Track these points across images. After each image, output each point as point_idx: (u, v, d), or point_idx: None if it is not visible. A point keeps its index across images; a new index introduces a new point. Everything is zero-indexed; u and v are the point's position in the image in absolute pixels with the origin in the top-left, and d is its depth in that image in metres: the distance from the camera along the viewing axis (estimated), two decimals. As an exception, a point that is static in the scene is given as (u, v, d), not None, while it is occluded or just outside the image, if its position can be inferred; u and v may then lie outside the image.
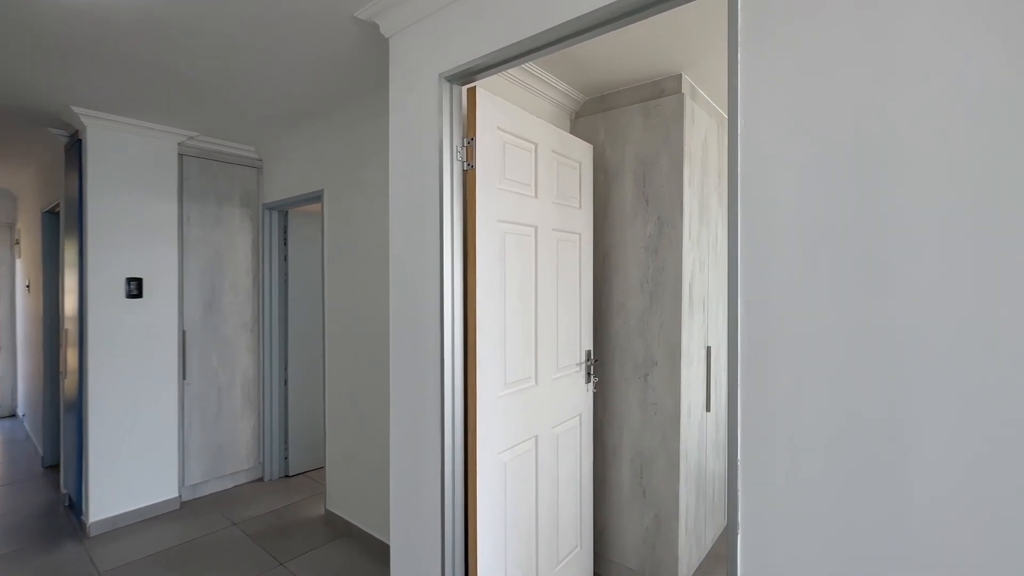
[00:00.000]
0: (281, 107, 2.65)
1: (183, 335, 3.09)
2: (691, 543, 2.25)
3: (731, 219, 0.96)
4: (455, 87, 1.58)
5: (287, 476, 3.53)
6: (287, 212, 3.51)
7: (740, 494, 0.96)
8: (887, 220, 0.81)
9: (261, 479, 3.49)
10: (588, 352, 2.18)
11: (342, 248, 2.78)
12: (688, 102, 2.10)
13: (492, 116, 1.62)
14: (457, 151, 1.57)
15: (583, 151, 2.15)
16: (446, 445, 1.55)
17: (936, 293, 0.77)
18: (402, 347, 1.68)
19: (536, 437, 1.87)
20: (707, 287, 2.36)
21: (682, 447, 2.12)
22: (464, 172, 1.60)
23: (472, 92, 1.57)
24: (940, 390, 0.77)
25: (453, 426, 1.57)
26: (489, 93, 1.62)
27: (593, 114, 2.37)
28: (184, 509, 3.05)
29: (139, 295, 2.85)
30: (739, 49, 0.96)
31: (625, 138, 2.24)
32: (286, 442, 3.53)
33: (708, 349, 2.34)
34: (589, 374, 2.19)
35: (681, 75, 2.12)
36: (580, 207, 2.12)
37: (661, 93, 2.18)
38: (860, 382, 0.83)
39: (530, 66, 2.05)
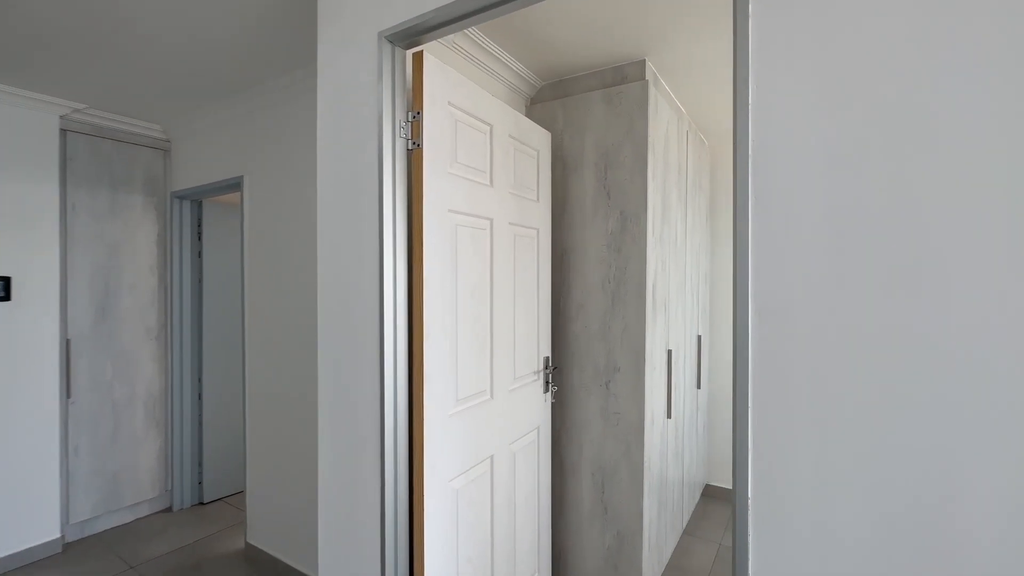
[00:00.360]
0: (192, 78, 2.26)
1: (66, 344, 2.59)
2: (653, 559, 2.12)
3: (738, 211, 0.79)
4: (398, 50, 1.33)
5: (201, 504, 3.09)
6: (201, 202, 3.07)
7: (751, 549, 0.80)
8: (935, 210, 0.67)
9: (169, 509, 3.03)
10: (547, 359, 2.00)
11: (266, 243, 2.42)
12: (652, 90, 1.97)
13: (442, 88, 1.39)
14: (400, 127, 1.33)
15: (541, 138, 1.96)
16: (387, 476, 1.30)
17: (993, 300, 0.64)
18: (333, 360, 1.41)
19: (492, 457, 1.65)
20: (668, 287, 2.25)
21: (646, 459, 1.98)
22: (409, 152, 1.36)
23: (419, 58, 1.33)
24: (999, 419, 0.64)
25: (396, 453, 1.32)
26: (439, 61, 1.38)
27: (550, 100, 2.19)
28: (69, 552, 2.56)
29: (5, 297, 2.35)
30: None
31: (585, 127, 2.08)
32: (200, 465, 3.09)
33: (669, 353, 2.23)
34: (548, 383, 2.00)
35: (645, 61, 1.99)
36: (538, 200, 1.93)
37: (624, 79, 2.03)
38: (903, 406, 0.68)
39: (485, 41, 1.83)
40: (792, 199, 0.75)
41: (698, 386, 2.88)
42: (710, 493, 3.22)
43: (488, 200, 1.61)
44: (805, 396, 0.74)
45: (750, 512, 0.80)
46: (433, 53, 1.64)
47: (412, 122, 1.34)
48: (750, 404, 0.79)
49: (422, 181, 1.32)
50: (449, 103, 1.42)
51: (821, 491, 0.75)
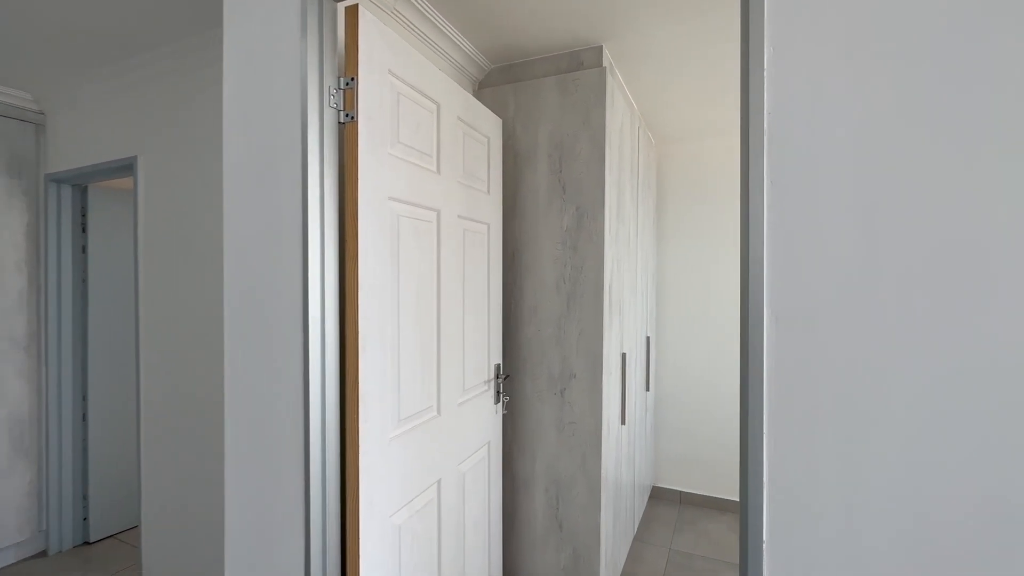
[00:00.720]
0: (70, 36, 1.86)
1: None
2: (609, 573, 2.02)
3: (750, 198, 0.66)
4: (327, 0, 1.10)
5: (87, 543, 2.61)
6: (86, 187, 2.60)
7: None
8: (999, 197, 0.56)
9: (44, 553, 2.53)
10: (498, 367, 1.82)
11: (165, 235, 2.06)
12: (610, 79, 1.85)
13: (381, 53, 1.18)
14: (330, 94, 1.10)
15: (492, 125, 1.78)
16: (313, 520, 1.06)
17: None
18: (242, 380, 1.15)
19: (439, 482, 1.45)
20: (623, 288, 2.15)
21: (603, 470, 1.86)
22: (341, 126, 1.13)
23: (352, 13, 1.11)
24: (1057, 437, 0.54)
25: (324, 490, 1.09)
26: (378, 20, 1.17)
27: (500, 85, 2.02)
28: (-102, 620, 2.04)
29: None
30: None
31: (539, 116, 1.93)
32: (85, 498, 2.61)
33: (624, 356, 2.13)
34: (499, 393, 1.83)
35: (602, 47, 1.87)
36: (488, 192, 1.75)
37: (580, 66, 1.90)
38: (951, 429, 0.58)
39: (431, 12, 1.63)
40: (817, 183, 0.62)
41: (647, 388, 2.83)
42: (657, 495, 3.20)
43: (435, 189, 1.41)
44: (832, 415, 0.62)
45: (765, 544, 0.67)
46: (373, 8, 1.41)
47: (345, 90, 1.11)
48: (765, 423, 0.66)
49: (357, 161, 1.10)
50: (390, 72, 1.21)
51: (849, 522, 0.63)
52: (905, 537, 0.60)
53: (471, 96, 1.63)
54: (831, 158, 0.62)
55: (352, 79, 1.10)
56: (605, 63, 1.89)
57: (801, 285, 0.63)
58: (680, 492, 3.13)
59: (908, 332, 0.59)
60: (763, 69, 0.65)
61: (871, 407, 0.61)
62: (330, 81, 1.10)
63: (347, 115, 1.11)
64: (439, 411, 1.44)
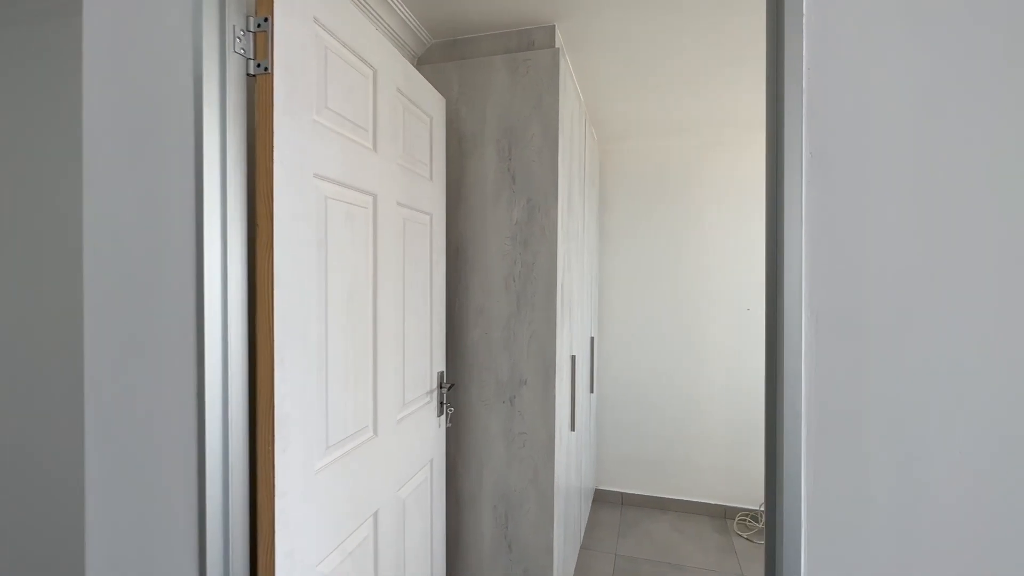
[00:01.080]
0: None
1: None
2: (560, 592, 1.89)
3: (784, 173, 0.54)
4: (230, -85, 0.86)
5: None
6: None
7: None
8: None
9: None
10: (441, 375, 1.63)
11: (2, 219, 1.64)
12: (562, 62, 1.72)
13: (304, -5, 0.95)
14: (236, 36, 0.86)
15: (435, 103, 1.58)
16: (211, 586, 0.82)
17: None
18: (110, 410, 0.87)
19: (376, 514, 1.24)
20: (573, 287, 2.04)
21: (556, 483, 1.73)
22: (251, 78, 0.89)
23: (266, -63, 0.87)
24: None
25: (227, 547, 0.84)
26: (299, -47, 0.94)
27: (443, 62, 1.82)
28: None
29: None
30: None
31: (486, 98, 1.76)
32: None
33: (573, 359, 2.02)
34: (442, 404, 1.63)
35: (555, 28, 1.74)
36: (431, 178, 1.56)
37: (531, 45, 1.76)
38: (1026, 451, 0.49)
39: (361, -36, 1.40)
40: (868, 156, 0.51)
41: (591, 390, 2.75)
42: (599, 498, 3.14)
43: (371, 169, 1.19)
44: (886, 431, 0.51)
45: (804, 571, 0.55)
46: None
47: (256, 32, 0.88)
48: (804, 439, 0.54)
49: (272, 124, 0.87)
50: (315, 20, 0.98)
51: (901, 550, 0.52)
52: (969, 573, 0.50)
53: (411, 67, 1.42)
54: (886, 128, 0.51)
55: (266, 19, 0.87)
56: (558, 44, 1.76)
57: (849, 278, 0.52)
58: (622, 493, 3.10)
59: (976, 338, 0.49)
60: (801, 16, 0.53)
61: (934, 424, 0.51)
62: (236, 19, 0.85)
63: (259, 65, 0.87)
64: (376, 431, 1.23)
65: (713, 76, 2.13)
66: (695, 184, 2.96)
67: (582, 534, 2.55)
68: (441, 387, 1.62)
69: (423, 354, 1.50)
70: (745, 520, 2.83)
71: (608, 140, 3.05)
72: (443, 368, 1.64)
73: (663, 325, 3.02)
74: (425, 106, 1.51)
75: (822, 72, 0.53)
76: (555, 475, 1.71)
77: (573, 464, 2.17)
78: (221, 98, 0.83)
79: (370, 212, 1.20)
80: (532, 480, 1.73)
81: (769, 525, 0.60)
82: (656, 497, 3.04)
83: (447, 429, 1.76)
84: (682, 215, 2.98)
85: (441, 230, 1.63)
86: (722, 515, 2.92)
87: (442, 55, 1.85)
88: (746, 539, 2.67)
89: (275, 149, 0.87)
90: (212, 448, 0.82)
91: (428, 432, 1.54)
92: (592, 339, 2.74)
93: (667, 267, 3.01)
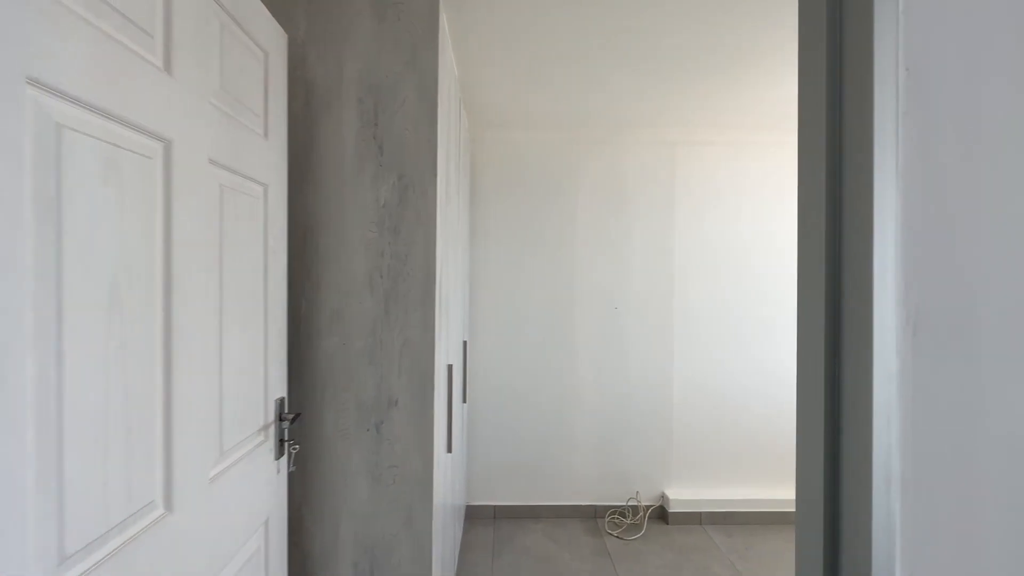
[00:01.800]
0: None
1: None
2: (437, 647, 1.59)
3: (874, 135, 0.34)
4: None
5: None
6: None
7: None
8: None
9: None
10: (280, 403, 1.21)
11: None
12: (442, 16, 1.43)
13: None
14: None
15: (274, 36, 1.17)
16: None
17: None
18: None
19: (168, 633, 0.80)
20: (450, 284, 1.76)
21: (435, 524, 1.43)
22: None
23: None
24: None
25: None
26: None
27: (284, -10, 1.39)
28: None
29: None
30: None
31: (343, 44, 1.38)
32: None
33: (450, 368, 1.74)
34: (283, 443, 1.22)
35: (433, -30, 1.43)
36: (267, 136, 1.14)
37: (403, -13, 1.43)
38: None
39: None
40: (979, 119, 0.33)
41: (464, 400, 2.50)
42: (470, 514, 2.90)
43: (158, 97, 0.76)
44: (1007, 483, 0.34)
45: None
46: None
47: None
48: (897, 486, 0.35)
49: None
50: None
51: None
52: None
53: (235, -30, 1.00)
54: (996, 113, 0.34)
55: None
56: (436, -7, 1.46)
57: (955, 275, 0.34)
58: (494, 507, 2.90)
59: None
60: None
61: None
62: None
63: None
64: (170, 504, 0.79)
65: (611, 70, 2.04)
66: (570, 181, 2.90)
67: (456, 564, 2.28)
68: (281, 420, 1.20)
69: (253, 377, 1.08)
70: (615, 517, 2.85)
71: (481, 127, 2.83)
72: (284, 394, 1.23)
73: (534, 324, 2.91)
74: (259, 36, 1.09)
75: (918, 38, 0.34)
76: (433, 515, 1.41)
77: (449, 490, 1.89)
78: None
79: (158, 165, 0.76)
80: (406, 523, 1.40)
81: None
82: (529, 506, 2.91)
83: (290, 475, 1.33)
84: (555, 212, 2.90)
85: (282, 207, 1.21)
86: (592, 515, 2.90)
87: (283, -19, 1.42)
88: (617, 537, 2.68)
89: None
90: None
91: (261, 484, 1.12)
92: (464, 343, 2.49)
93: (538, 265, 2.90)
